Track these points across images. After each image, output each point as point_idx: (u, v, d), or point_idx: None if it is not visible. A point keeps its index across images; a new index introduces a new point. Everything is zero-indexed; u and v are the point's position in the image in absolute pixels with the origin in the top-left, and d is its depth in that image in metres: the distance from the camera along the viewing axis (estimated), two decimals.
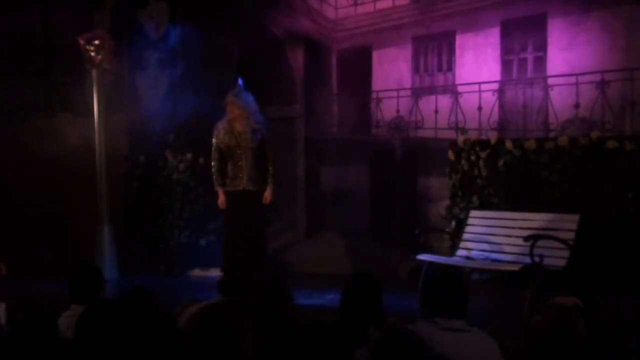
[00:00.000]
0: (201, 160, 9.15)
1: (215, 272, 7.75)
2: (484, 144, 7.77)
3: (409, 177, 10.07)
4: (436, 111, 10.24)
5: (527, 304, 5.94)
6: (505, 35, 11.11)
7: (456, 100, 10.14)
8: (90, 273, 4.32)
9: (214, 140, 7.34)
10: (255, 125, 7.19)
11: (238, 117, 7.13)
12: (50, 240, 8.88)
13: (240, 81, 7.35)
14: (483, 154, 7.67)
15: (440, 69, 12.13)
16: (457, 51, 11.71)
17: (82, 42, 8.11)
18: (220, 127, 7.27)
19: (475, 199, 7.71)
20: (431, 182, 9.50)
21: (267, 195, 7.24)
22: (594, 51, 9.90)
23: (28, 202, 9.14)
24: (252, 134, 7.16)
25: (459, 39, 11.65)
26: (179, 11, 9.54)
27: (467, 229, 7.43)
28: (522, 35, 10.97)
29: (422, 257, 7.10)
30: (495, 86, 10.20)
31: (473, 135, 8.25)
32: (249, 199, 7.18)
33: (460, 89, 10.44)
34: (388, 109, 11.13)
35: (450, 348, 3.12)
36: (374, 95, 11.79)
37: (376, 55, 12.61)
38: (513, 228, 6.99)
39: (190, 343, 2.69)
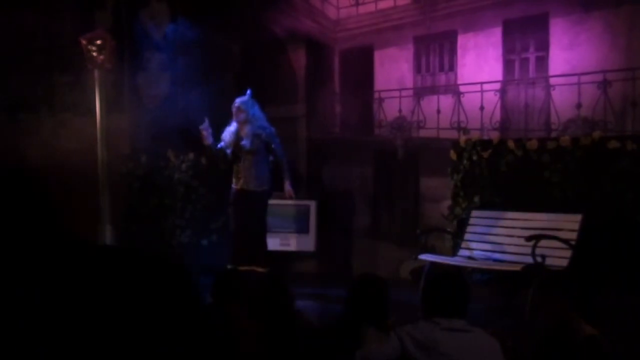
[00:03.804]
0: (203, 160, 9.16)
1: None
2: (485, 144, 7.76)
3: (411, 177, 10.06)
4: (438, 111, 10.23)
5: (529, 304, 5.93)
6: (506, 34, 11.09)
7: (458, 100, 10.13)
8: None
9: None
10: (258, 130, 7.48)
11: (243, 121, 7.48)
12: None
13: (249, 91, 7.62)
14: (485, 154, 7.66)
15: (442, 69, 12.12)
16: (459, 51, 11.70)
17: (84, 42, 8.10)
18: (227, 131, 7.62)
19: (477, 199, 7.69)
20: (433, 182, 9.49)
21: (289, 191, 7.63)
22: (596, 51, 9.89)
23: (28, 202, 9.14)
24: (252, 139, 7.44)
25: (460, 39, 11.64)
26: (180, 11, 9.54)
27: (469, 229, 7.42)
28: (524, 34, 10.96)
29: (424, 257, 7.10)
30: (497, 86, 10.19)
31: (475, 135, 8.23)
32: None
33: (462, 89, 10.43)
34: (390, 109, 11.12)
35: (452, 348, 3.12)
36: (375, 95, 11.78)
37: (378, 55, 12.61)
38: (515, 228, 6.98)
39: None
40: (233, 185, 7.61)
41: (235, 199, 7.57)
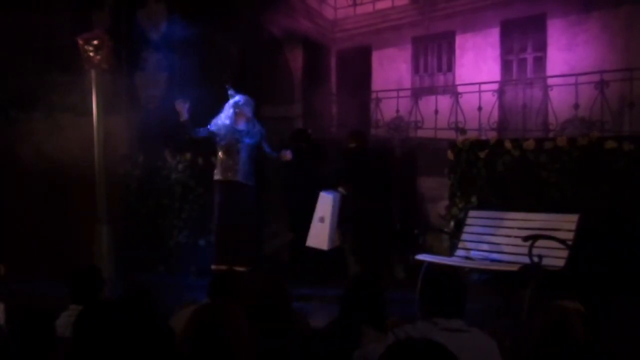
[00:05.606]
0: (200, 160, 9.15)
1: None
2: (482, 144, 7.76)
3: (409, 177, 10.05)
4: (436, 111, 10.23)
5: (526, 304, 5.94)
6: (504, 35, 11.12)
7: (456, 101, 10.13)
8: (90, 274, 4.33)
9: None
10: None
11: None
12: (49, 240, 8.87)
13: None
14: (482, 154, 7.66)
15: (440, 70, 12.15)
16: (457, 51, 11.73)
17: (81, 42, 8.09)
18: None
19: (474, 199, 7.70)
20: (430, 182, 9.48)
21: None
22: (593, 51, 9.92)
23: (27, 203, 9.14)
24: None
25: (458, 39, 11.67)
26: (177, 11, 9.53)
27: (466, 229, 7.42)
28: (522, 35, 10.99)
29: (421, 257, 7.10)
30: (495, 86, 10.20)
31: (472, 136, 8.23)
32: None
33: (460, 89, 10.43)
34: (388, 109, 11.13)
35: (449, 348, 3.11)
36: (373, 95, 11.79)
37: (376, 56, 12.63)
38: (512, 228, 6.98)
39: (186, 345, 2.68)
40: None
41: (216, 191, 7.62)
